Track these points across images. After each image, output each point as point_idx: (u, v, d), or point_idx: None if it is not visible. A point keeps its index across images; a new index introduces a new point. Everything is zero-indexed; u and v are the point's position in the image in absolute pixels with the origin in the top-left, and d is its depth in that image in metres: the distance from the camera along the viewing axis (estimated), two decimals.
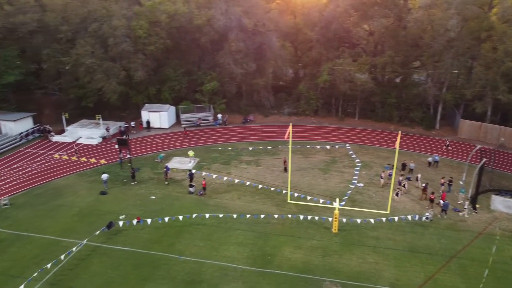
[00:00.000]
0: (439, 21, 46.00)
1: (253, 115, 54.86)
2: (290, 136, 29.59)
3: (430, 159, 41.07)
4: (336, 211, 29.68)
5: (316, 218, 31.31)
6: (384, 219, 31.26)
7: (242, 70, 51.32)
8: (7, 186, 36.96)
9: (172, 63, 53.23)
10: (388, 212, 30.23)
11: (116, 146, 41.15)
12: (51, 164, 41.31)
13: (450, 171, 39.53)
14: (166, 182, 37.11)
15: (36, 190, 36.34)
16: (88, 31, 48.69)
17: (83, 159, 42.37)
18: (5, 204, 33.28)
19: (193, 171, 38.55)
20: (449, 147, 45.24)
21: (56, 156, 43.32)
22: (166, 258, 27.07)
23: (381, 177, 36.98)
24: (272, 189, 36.10)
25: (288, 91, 57.96)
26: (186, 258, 27.05)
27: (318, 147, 45.62)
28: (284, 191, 35.13)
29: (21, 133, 47.67)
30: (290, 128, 29.89)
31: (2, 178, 38.52)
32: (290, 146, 30.88)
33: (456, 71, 49.26)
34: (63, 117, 49.35)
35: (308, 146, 45.69)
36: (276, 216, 31.63)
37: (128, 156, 40.15)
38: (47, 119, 52.09)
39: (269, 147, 45.48)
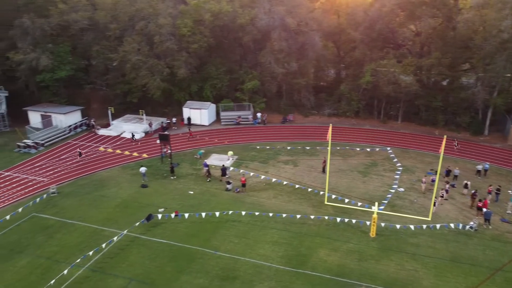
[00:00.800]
0: (492, 22, 43.73)
1: (293, 115, 54.62)
2: (330, 137, 29.21)
3: (479, 166, 38.99)
4: (375, 215, 28.98)
5: (354, 221, 30.76)
6: (424, 226, 30.19)
7: (283, 70, 51.19)
8: (55, 175, 38.92)
9: (215, 61, 54.00)
10: (429, 219, 29.14)
11: (158, 141, 42.24)
12: (97, 156, 43.07)
13: (499, 180, 37.57)
14: (208, 179, 37.46)
15: (81, 181, 38.01)
16: (135, 29, 50.35)
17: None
18: (53, 193, 35.04)
19: (231, 168, 39.08)
20: (457, 147, 44.40)
21: (101, 148, 45.11)
22: (202, 252, 27.50)
23: (423, 182, 35.71)
24: (309, 189, 35.80)
25: (329, 91, 57.18)
26: (221, 254, 27.35)
27: (358, 149, 44.74)
28: (321, 192, 34.75)
29: (70, 125, 50.08)
30: (330, 129, 29.51)
31: (51, 167, 40.61)
32: (329, 148, 30.45)
33: (508, 74, 46.68)
34: (109, 112, 51.35)
35: (347, 148, 44.92)
36: (312, 217, 31.30)
37: (169, 151, 41.19)
38: (95, 113, 54.43)
39: (308, 148, 45.10)
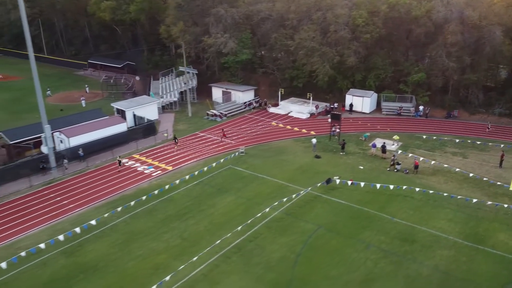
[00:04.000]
0: None
1: (458, 111, 53.31)
2: None
3: None
4: None
5: None
6: None
7: (454, 64, 50.34)
8: (239, 140, 45.54)
9: (381, 52, 55.66)
10: None
11: (329, 120, 46.00)
12: (270, 129, 48.83)
13: None
14: (388, 169, 38.08)
15: (261, 146, 43.83)
16: (312, 19, 54.86)
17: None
18: (242, 152, 41.34)
19: (399, 151, 40.80)
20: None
21: (273, 123, 50.82)
22: (379, 216, 30.12)
23: None
24: (485, 178, 35.57)
25: (501, 91, 54.16)
26: (398, 220, 29.60)
27: None
28: (498, 183, 34.31)
29: (245, 102, 57.19)
30: None
31: (235, 133, 47.50)
32: None
33: None
34: (279, 93, 57.10)
35: None
36: (489, 203, 31.41)
37: (338, 130, 44.65)
38: (262, 94, 60.97)
39: (478, 142, 44.06)
